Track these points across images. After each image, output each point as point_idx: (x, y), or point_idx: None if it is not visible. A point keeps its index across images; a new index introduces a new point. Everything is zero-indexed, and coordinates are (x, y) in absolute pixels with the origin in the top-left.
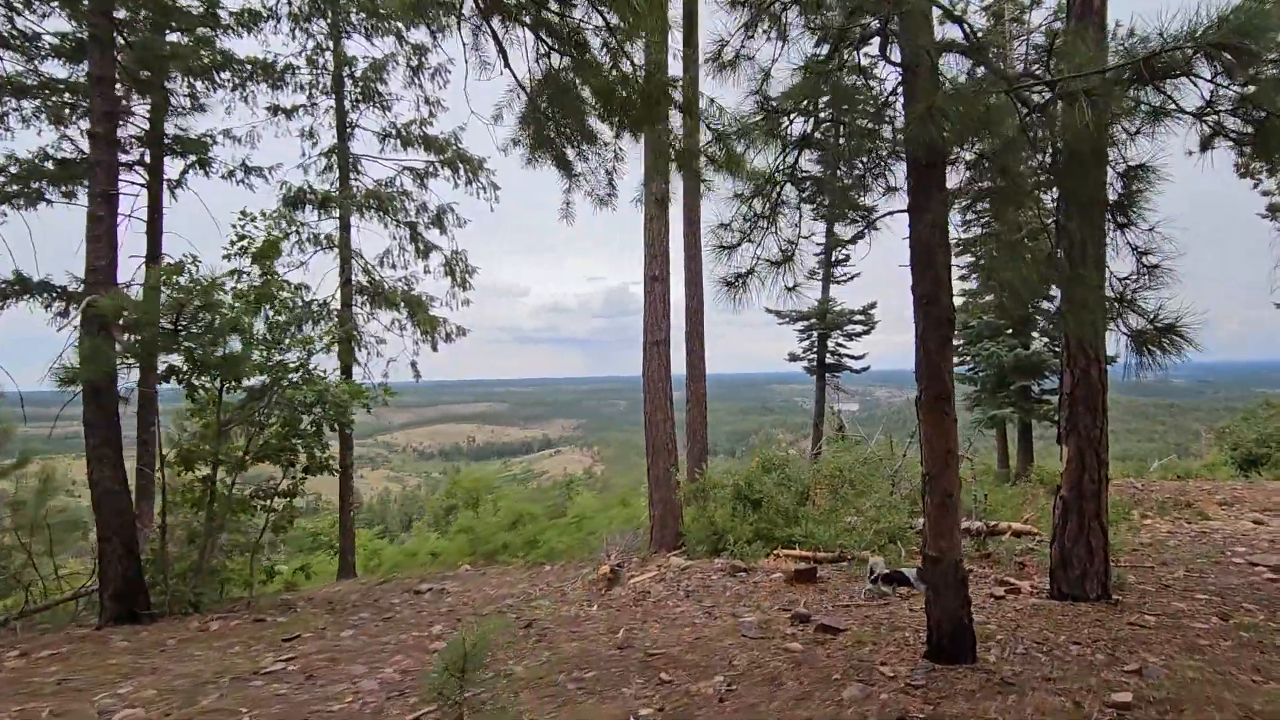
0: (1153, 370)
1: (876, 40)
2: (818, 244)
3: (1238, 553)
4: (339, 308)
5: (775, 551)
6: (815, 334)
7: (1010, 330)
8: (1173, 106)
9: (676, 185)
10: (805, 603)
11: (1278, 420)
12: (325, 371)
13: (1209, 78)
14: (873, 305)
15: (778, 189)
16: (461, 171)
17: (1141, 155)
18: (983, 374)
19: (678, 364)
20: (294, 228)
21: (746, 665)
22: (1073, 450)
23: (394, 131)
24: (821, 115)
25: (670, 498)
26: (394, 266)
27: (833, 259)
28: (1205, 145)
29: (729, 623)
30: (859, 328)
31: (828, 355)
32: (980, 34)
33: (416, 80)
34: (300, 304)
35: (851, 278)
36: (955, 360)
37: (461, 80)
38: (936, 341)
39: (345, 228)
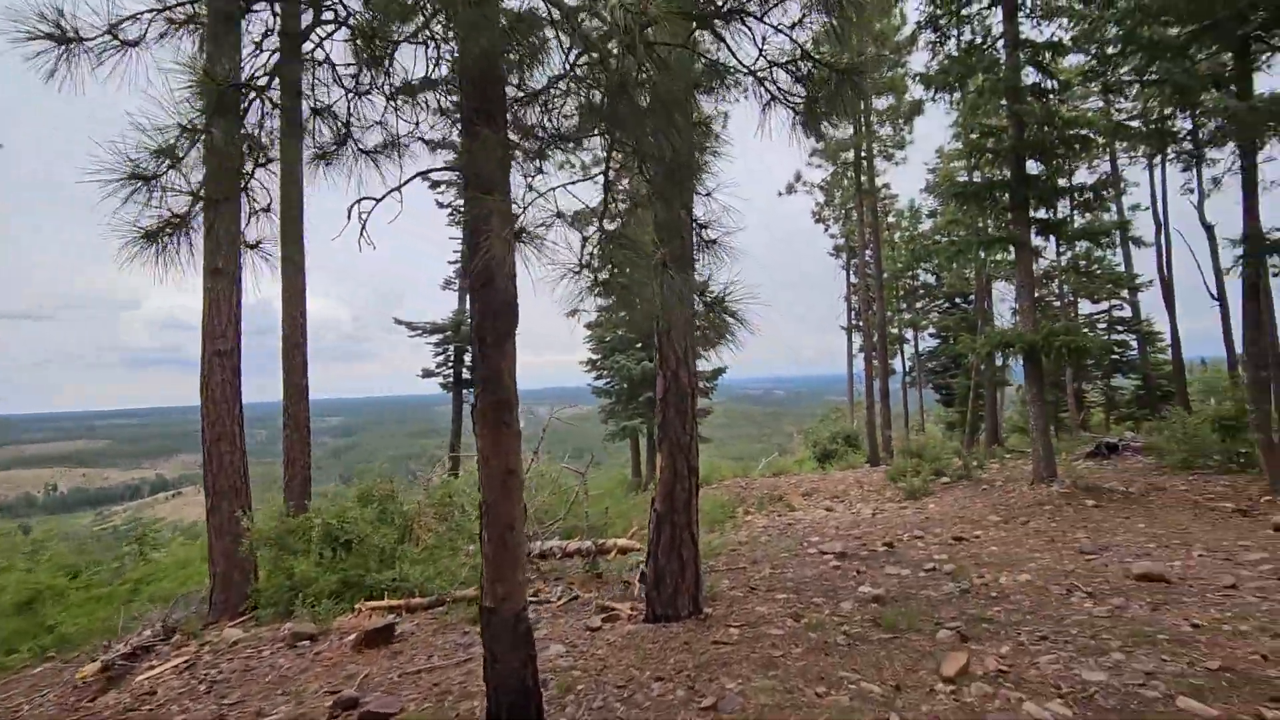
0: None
1: None
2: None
3: (813, 542)
4: None
5: (359, 605)
6: (452, 348)
7: (640, 344)
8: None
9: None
10: (367, 676)
11: (843, 421)
12: None
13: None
14: None
15: None
16: None
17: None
18: (616, 387)
19: (325, 381)
20: None
21: None
22: (665, 457)
23: None
24: None
25: (234, 550)
26: None
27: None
28: (765, 109)
29: None
30: None
31: (464, 371)
32: None
33: None
34: None
35: None
36: (593, 373)
37: None
38: (494, 335)
39: None
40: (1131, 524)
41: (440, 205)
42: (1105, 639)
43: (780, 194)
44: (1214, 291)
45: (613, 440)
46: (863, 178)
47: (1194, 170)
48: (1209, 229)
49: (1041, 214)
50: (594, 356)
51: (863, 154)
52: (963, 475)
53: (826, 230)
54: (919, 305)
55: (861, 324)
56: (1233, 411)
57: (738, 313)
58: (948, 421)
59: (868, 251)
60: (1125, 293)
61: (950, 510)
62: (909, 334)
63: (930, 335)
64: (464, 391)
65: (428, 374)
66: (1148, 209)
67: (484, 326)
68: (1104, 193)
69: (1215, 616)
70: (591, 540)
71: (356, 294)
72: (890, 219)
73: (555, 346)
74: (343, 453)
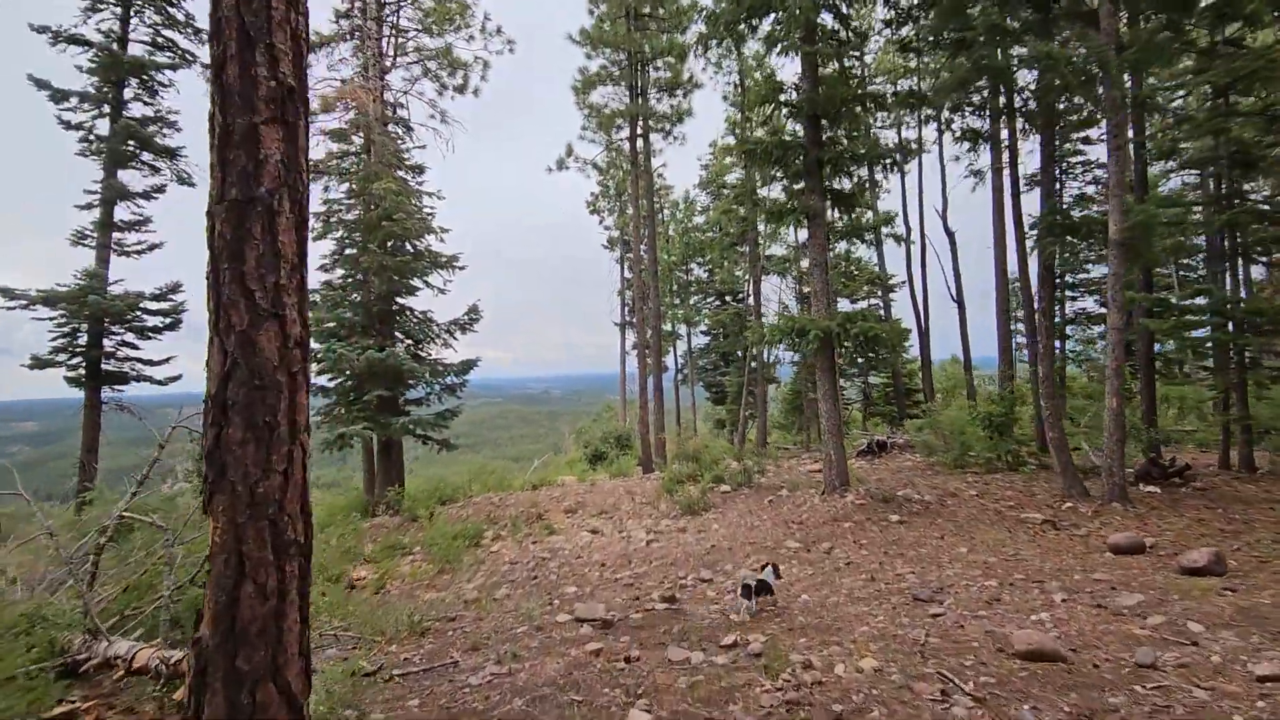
0: None
1: None
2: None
3: (567, 599)
4: None
5: None
6: (84, 328)
7: (364, 328)
8: None
9: None
10: None
11: (615, 421)
12: None
13: None
14: (177, 288)
15: None
16: None
17: None
18: (338, 383)
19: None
20: None
21: None
22: (224, 525)
23: None
24: None
25: None
26: None
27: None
28: None
29: None
30: (158, 320)
31: (106, 361)
32: None
33: None
34: None
35: (151, 248)
36: (313, 366)
37: None
38: None
39: None
40: (950, 547)
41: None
42: None
43: (550, 169)
44: (954, 294)
45: (329, 451)
46: (639, 154)
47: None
48: (950, 235)
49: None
50: (314, 348)
51: (639, 128)
52: (744, 482)
53: (601, 222)
54: (692, 301)
55: (635, 320)
56: (1001, 411)
57: None
58: (717, 419)
59: (643, 246)
60: (879, 293)
61: (738, 532)
62: (682, 330)
63: (702, 332)
64: (104, 390)
65: (41, 363)
66: (899, 214)
67: None
68: (869, 184)
69: None
70: (182, 649)
71: None
72: (665, 212)
73: None
74: None
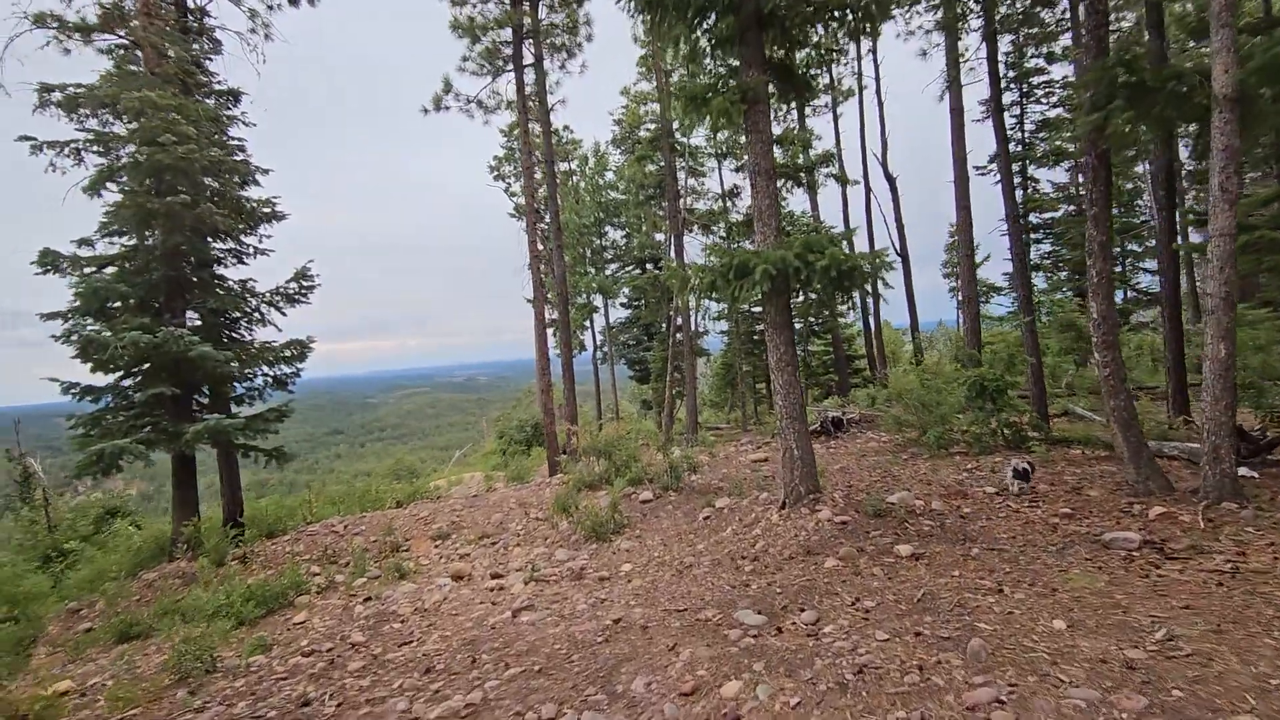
0: None
1: None
2: None
3: None
4: None
5: None
6: None
7: (141, 302)
8: None
9: None
10: None
11: (534, 406)
12: None
13: None
14: None
15: None
16: None
17: None
18: (115, 379)
19: None
20: None
21: None
22: None
23: None
24: None
25: None
26: None
27: None
28: None
29: None
30: None
31: None
32: None
33: None
34: None
35: None
36: (73, 353)
37: None
38: None
39: None
40: (1025, 614)
41: None
42: None
43: (425, 110)
44: (898, 247)
45: (93, 476)
46: (525, 87)
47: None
48: (891, 180)
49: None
50: (64, 323)
51: (527, 50)
52: (670, 485)
53: (508, 189)
54: (609, 272)
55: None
56: (995, 375)
57: None
58: (643, 399)
59: (538, 197)
60: None
61: (659, 584)
62: (598, 300)
63: (622, 305)
64: None
65: None
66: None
67: None
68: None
69: None
70: None
71: None
72: (574, 166)
73: None
74: None
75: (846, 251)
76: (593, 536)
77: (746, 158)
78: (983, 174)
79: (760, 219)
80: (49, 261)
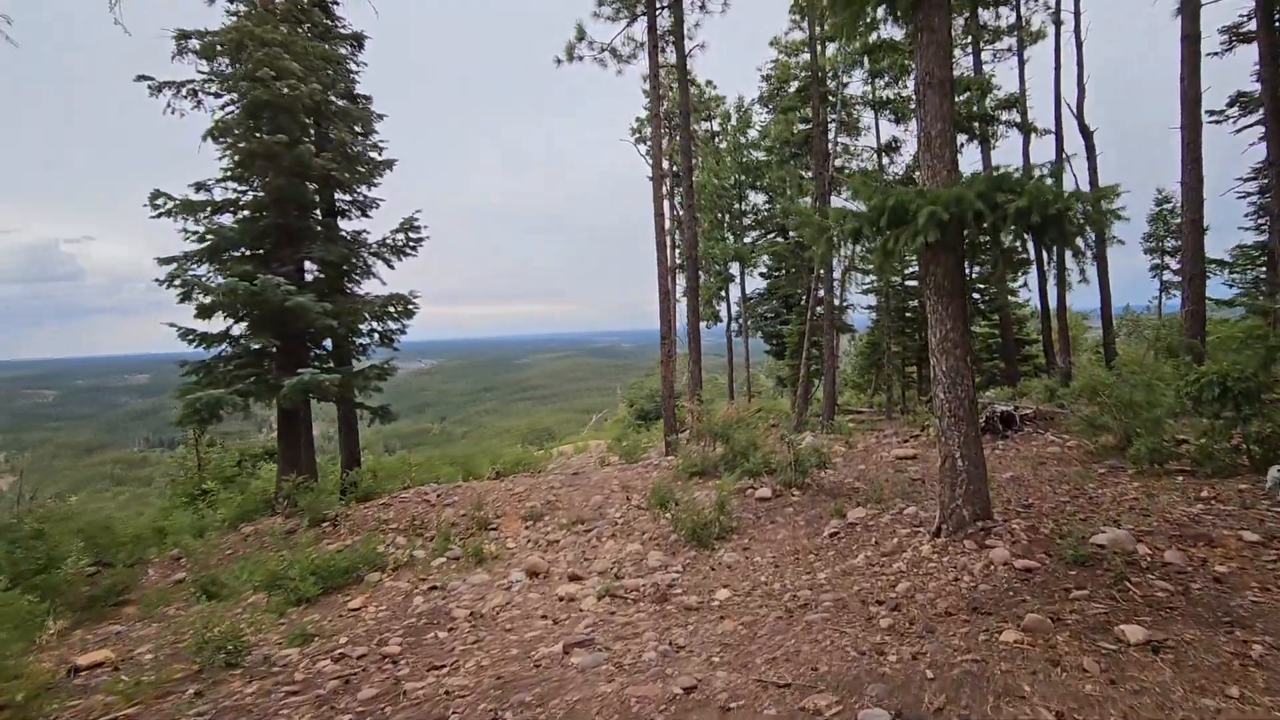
0: None
1: None
2: None
3: None
4: None
5: None
6: None
7: (251, 250)
8: None
9: None
10: None
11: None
12: None
13: None
14: None
15: None
16: None
17: None
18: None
19: None
20: None
21: None
22: None
23: None
24: None
25: None
26: None
27: None
28: None
29: None
30: None
31: None
32: None
33: None
34: None
35: None
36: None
37: None
38: None
39: None
40: None
41: None
42: None
43: (559, 61)
44: None
45: (190, 424)
46: (663, 26)
47: None
48: (1087, 133)
49: None
50: (182, 263)
51: None
52: (794, 481)
53: (647, 151)
54: (748, 240)
55: (683, 259)
56: (1244, 372)
57: None
58: (779, 376)
59: (664, 149)
60: None
61: (763, 626)
62: (735, 269)
63: (760, 274)
64: None
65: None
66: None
67: None
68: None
69: None
70: None
71: None
72: (715, 124)
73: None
74: None
75: (1052, 191)
76: (692, 540)
77: (917, 66)
78: (1217, 121)
79: (928, 148)
80: (160, 204)
